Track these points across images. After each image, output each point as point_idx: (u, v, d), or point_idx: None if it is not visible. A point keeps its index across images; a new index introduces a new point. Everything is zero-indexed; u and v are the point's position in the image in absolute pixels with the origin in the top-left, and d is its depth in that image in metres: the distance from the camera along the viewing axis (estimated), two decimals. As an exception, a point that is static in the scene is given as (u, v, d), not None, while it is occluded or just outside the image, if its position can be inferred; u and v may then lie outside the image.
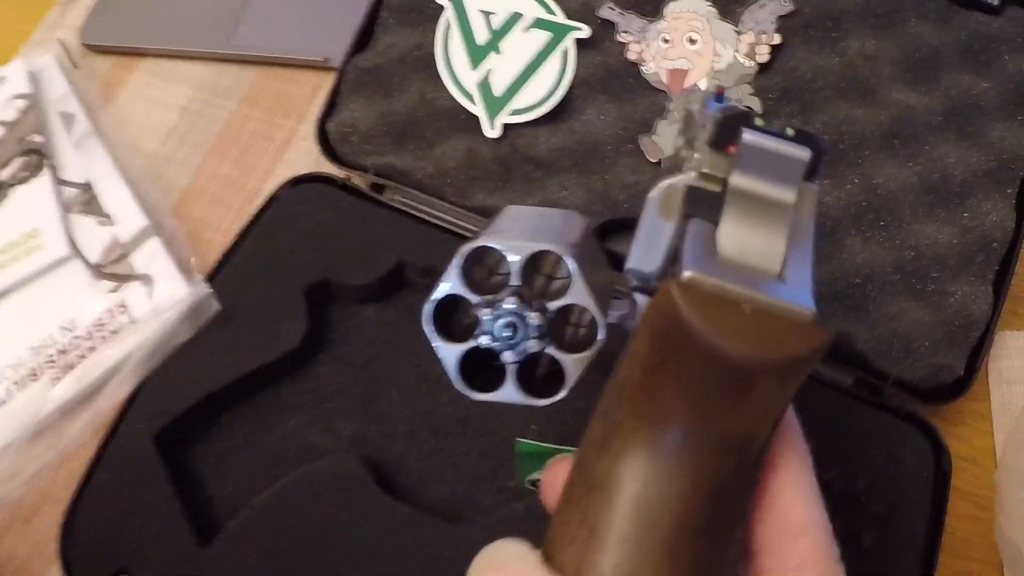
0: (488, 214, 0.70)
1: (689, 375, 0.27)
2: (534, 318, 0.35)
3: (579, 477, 0.30)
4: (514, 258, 0.35)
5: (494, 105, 0.70)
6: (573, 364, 0.36)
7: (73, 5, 0.84)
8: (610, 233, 0.68)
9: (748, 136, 0.31)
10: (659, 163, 0.69)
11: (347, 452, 0.63)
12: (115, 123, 0.78)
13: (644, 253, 0.35)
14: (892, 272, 0.66)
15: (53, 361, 0.68)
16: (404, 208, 0.70)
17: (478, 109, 0.70)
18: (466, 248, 0.35)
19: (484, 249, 0.35)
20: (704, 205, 0.31)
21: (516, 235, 0.36)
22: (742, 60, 0.70)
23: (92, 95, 0.79)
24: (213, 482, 0.64)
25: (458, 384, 0.37)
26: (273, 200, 0.71)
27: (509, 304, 0.35)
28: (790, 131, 0.31)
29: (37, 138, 0.75)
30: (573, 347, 0.37)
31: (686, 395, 0.27)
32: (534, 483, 0.58)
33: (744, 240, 0.30)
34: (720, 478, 0.28)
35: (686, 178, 0.33)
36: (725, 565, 0.29)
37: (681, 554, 0.28)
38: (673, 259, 0.33)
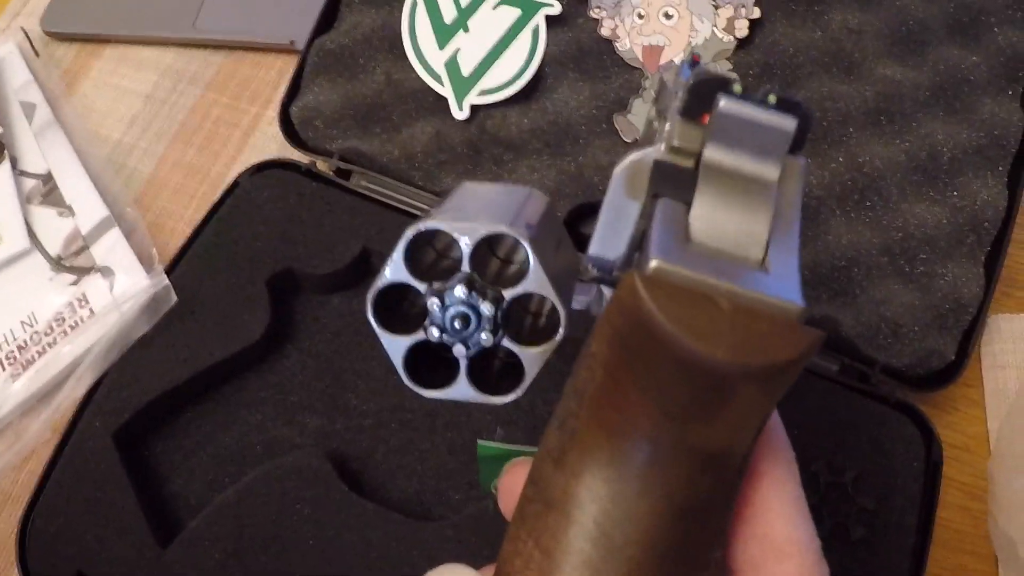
0: (457, 199, 0.67)
1: (657, 381, 0.24)
2: (487, 308, 0.33)
3: (534, 492, 0.27)
4: (465, 241, 0.32)
5: (462, 86, 0.67)
6: (531, 359, 0.34)
7: (35, -8, 0.82)
8: (584, 217, 0.66)
9: (725, 103, 0.27)
10: (634, 143, 0.66)
11: (312, 447, 0.61)
12: (78, 112, 0.76)
13: (607, 237, 0.31)
14: (879, 254, 0.64)
15: (13, 358, 0.66)
16: (370, 194, 0.68)
17: (446, 90, 0.68)
18: (411, 231, 0.32)
19: (432, 232, 0.32)
20: (674, 183, 0.28)
21: (468, 215, 0.33)
22: (720, 35, 0.68)
23: (54, 83, 0.77)
24: (174, 480, 0.62)
25: (406, 379, 0.34)
26: (234, 187, 0.68)
27: (459, 293, 0.32)
28: (772, 98, 0.27)
29: (-2, 128, 0.73)
30: (532, 339, 0.34)
31: (654, 403, 0.24)
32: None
33: (720, 223, 0.26)
34: (694, 496, 0.25)
35: (654, 151, 0.29)
36: None
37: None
38: (639, 246, 0.29)
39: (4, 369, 0.66)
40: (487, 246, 0.34)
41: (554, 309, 0.33)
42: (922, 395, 0.63)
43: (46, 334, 0.66)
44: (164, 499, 0.61)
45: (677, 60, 0.68)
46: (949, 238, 0.64)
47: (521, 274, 0.33)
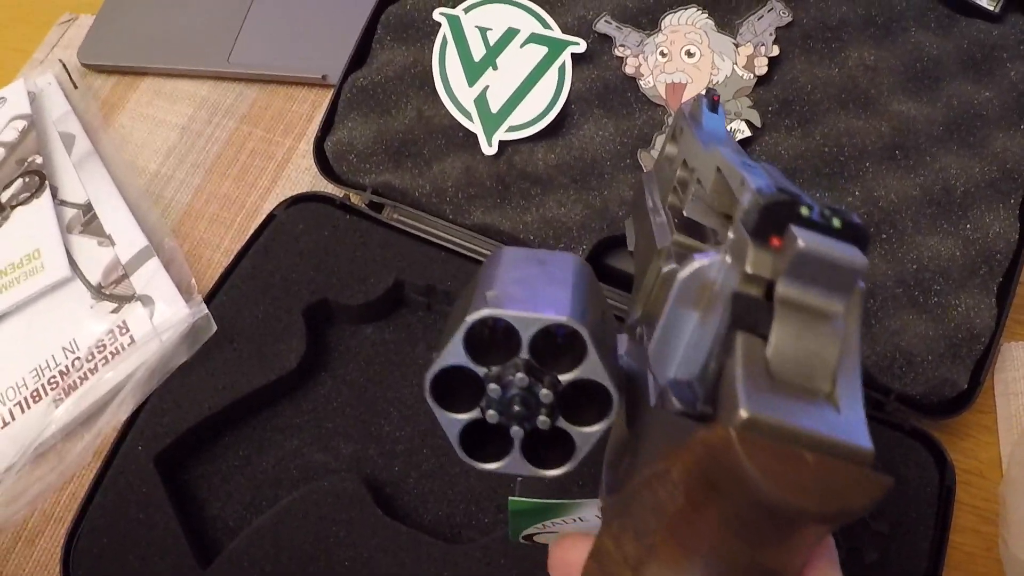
0: (486, 232, 0.69)
1: (738, 515, 0.26)
2: (546, 396, 0.33)
3: None
4: (526, 332, 0.32)
5: (491, 122, 0.69)
6: (584, 437, 0.34)
7: (73, 25, 0.85)
8: (609, 249, 0.68)
9: (802, 240, 0.27)
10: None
11: (347, 472, 0.63)
12: (115, 143, 0.78)
13: (676, 355, 0.32)
14: (894, 285, 0.66)
15: (55, 383, 0.68)
16: (402, 227, 0.70)
17: (475, 126, 0.70)
18: (471, 319, 0.32)
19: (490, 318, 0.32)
20: (752, 317, 0.28)
21: (523, 301, 0.33)
22: (740, 73, 0.70)
23: (92, 115, 0.79)
24: (214, 503, 0.64)
25: (461, 455, 0.34)
26: (270, 220, 0.71)
27: (520, 380, 0.32)
28: (836, 222, 0.28)
29: (38, 159, 0.76)
30: (580, 414, 0.34)
31: (733, 531, 0.26)
32: (528, 538, 0.57)
33: (796, 359, 0.27)
34: None
35: (717, 264, 0.30)
36: None
37: None
38: (715, 375, 0.29)
39: (47, 394, 0.68)
40: (543, 331, 0.33)
41: (605, 389, 0.33)
42: (936, 422, 0.64)
43: (87, 360, 0.68)
44: (204, 521, 0.63)
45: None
46: (962, 269, 0.66)
47: (574, 354, 0.33)
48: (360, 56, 0.75)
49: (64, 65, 0.81)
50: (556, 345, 0.34)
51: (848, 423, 0.26)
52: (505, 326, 0.32)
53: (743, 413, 0.25)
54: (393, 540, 0.59)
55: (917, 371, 0.64)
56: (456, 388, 0.33)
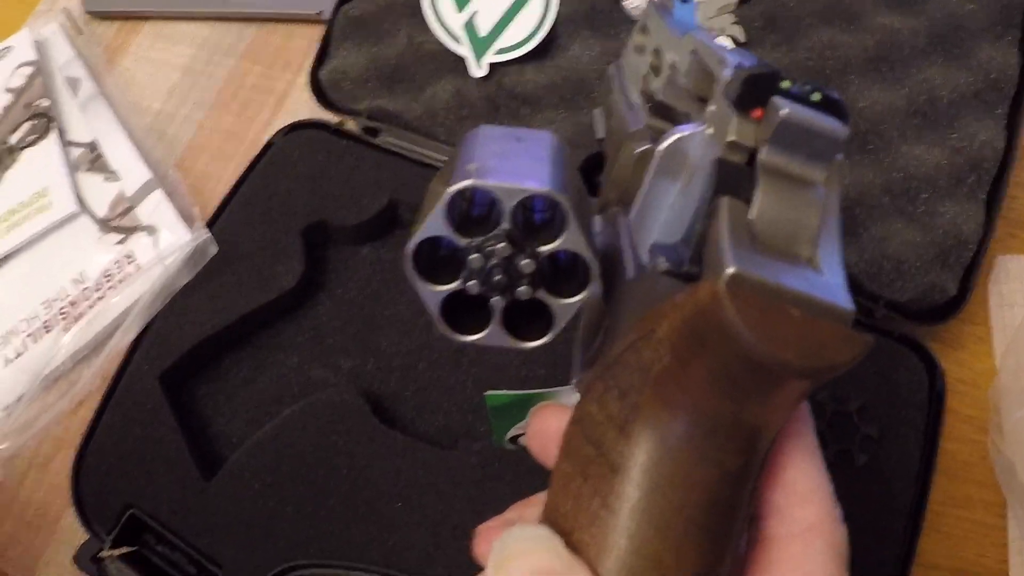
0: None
1: (725, 370, 0.27)
2: (527, 265, 0.33)
3: (596, 454, 0.30)
4: (508, 201, 0.32)
5: (480, 45, 0.71)
6: (563, 309, 0.34)
7: (77, -26, 0.87)
8: (598, 166, 0.69)
9: (785, 110, 0.28)
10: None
11: (346, 385, 0.64)
12: (120, 85, 0.80)
13: (666, 224, 0.32)
14: (881, 194, 0.66)
15: (66, 313, 0.70)
16: (396, 149, 0.72)
17: (465, 50, 0.71)
18: (453, 189, 0.32)
19: (473, 188, 0.32)
20: (735, 182, 0.29)
21: (504, 172, 0.33)
22: (725, -10, 0.71)
23: (97, 59, 0.81)
24: (217, 419, 0.66)
25: (441, 327, 0.35)
26: (269, 147, 0.73)
27: (501, 250, 0.33)
28: (816, 96, 0.29)
29: (44, 102, 0.78)
30: (559, 286, 0.34)
31: (718, 387, 0.27)
32: (514, 440, 0.58)
33: (777, 222, 0.28)
34: (742, 462, 0.28)
35: (697, 135, 0.31)
36: (739, 539, 0.30)
37: (704, 535, 0.28)
38: (701, 239, 0.30)
39: (57, 324, 0.70)
40: (522, 201, 0.34)
41: (581, 260, 0.34)
42: (929, 331, 0.65)
43: (96, 290, 0.71)
44: (208, 437, 0.65)
45: (683, 14, 0.71)
46: (949, 178, 0.66)
47: (554, 227, 0.33)
48: (352, -12, 0.76)
49: (68, 14, 0.83)
50: (536, 218, 0.34)
51: (829, 285, 0.27)
52: (486, 198, 0.33)
53: (730, 269, 0.26)
54: (390, 448, 0.61)
55: (905, 278, 0.65)
56: (436, 261, 0.34)
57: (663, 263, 0.29)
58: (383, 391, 0.65)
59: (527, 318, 0.35)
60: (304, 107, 0.78)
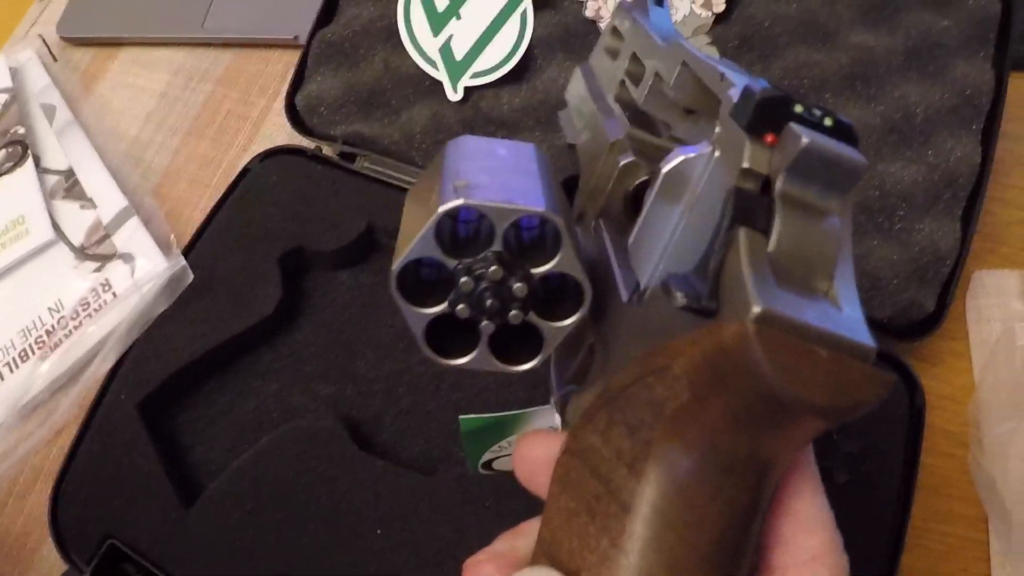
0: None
1: (746, 408, 0.26)
2: (520, 289, 0.32)
3: (604, 491, 0.29)
4: (501, 223, 0.31)
5: (456, 69, 0.71)
6: (553, 332, 0.33)
7: (51, 1, 0.87)
8: (575, 188, 0.69)
9: (806, 139, 0.27)
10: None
11: (325, 411, 0.64)
12: (96, 111, 0.80)
13: (659, 249, 0.31)
14: (858, 212, 0.66)
15: (42, 342, 0.70)
16: (373, 174, 0.72)
17: (441, 74, 0.71)
18: (443, 208, 0.30)
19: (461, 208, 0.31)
20: (753, 213, 0.28)
21: (496, 190, 0.32)
22: (698, 11, 0.71)
23: (73, 86, 0.81)
24: (197, 447, 0.65)
25: (426, 351, 0.34)
26: (245, 173, 0.73)
27: (493, 273, 0.32)
28: (829, 120, 0.28)
29: (20, 130, 0.78)
30: (553, 312, 0.33)
31: (736, 424, 0.27)
32: (488, 465, 0.58)
33: (797, 255, 0.27)
34: (755, 496, 0.28)
35: (700, 162, 0.30)
36: (747, 571, 0.29)
37: (715, 571, 0.28)
38: (717, 271, 0.29)
39: (34, 353, 0.70)
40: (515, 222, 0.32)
41: (576, 283, 0.33)
42: (908, 347, 0.65)
43: (72, 318, 0.70)
44: (187, 465, 0.65)
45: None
46: (925, 195, 0.66)
47: (545, 247, 0.32)
48: (327, 12, 0.77)
49: (43, 40, 0.83)
50: (524, 236, 0.33)
51: (850, 320, 0.26)
52: (473, 215, 0.32)
53: (757, 309, 0.25)
54: (370, 474, 0.61)
55: (883, 294, 0.65)
56: (420, 282, 0.33)
57: (681, 298, 0.28)
58: (362, 416, 0.65)
59: (513, 339, 0.34)
60: (281, 132, 0.78)
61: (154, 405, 0.65)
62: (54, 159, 0.77)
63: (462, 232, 0.33)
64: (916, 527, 0.59)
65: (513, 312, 0.32)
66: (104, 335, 0.69)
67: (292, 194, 0.71)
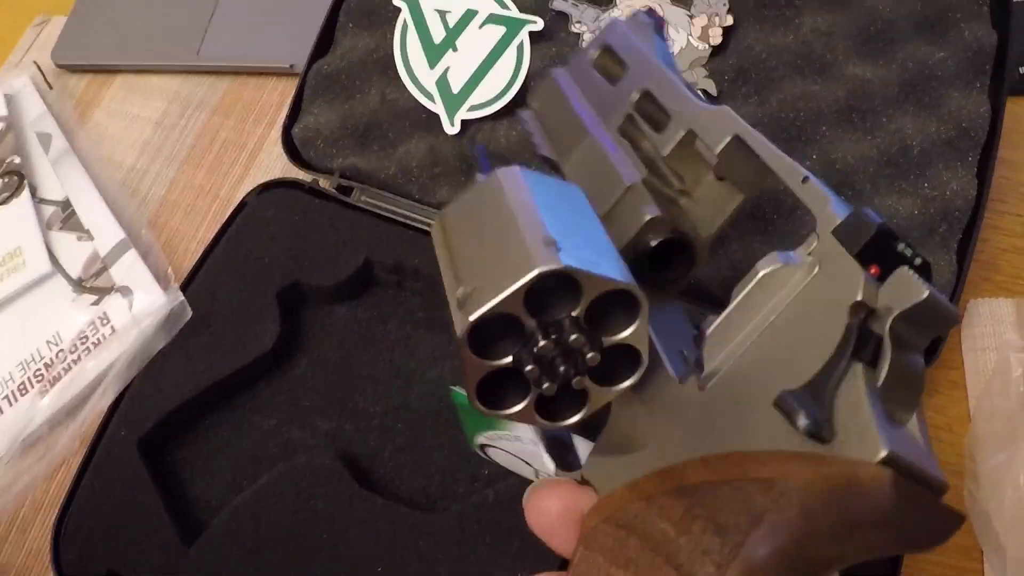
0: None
1: (850, 532, 0.27)
2: (592, 359, 0.32)
3: None
4: (592, 291, 0.30)
5: (453, 102, 0.71)
6: (601, 395, 0.33)
7: (47, 27, 0.86)
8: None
9: (925, 291, 0.28)
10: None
11: (324, 448, 0.64)
12: (91, 140, 0.80)
13: (744, 346, 0.31)
14: (854, 245, 0.66)
15: (41, 375, 0.70)
16: (370, 208, 0.72)
17: (437, 107, 0.71)
18: (543, 269, 0.29)
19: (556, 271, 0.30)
20: (865, 344, 0.29)
21: (588, 255, 0.31)
22: (696, 43, 0.71)
23: (68, 114, 0.81)
24: (196, 483, 0.66)
25: (473, 402, 0.33)
26: (242, 207, 0.72)
27: (574, 341, 0.31)
28: (918, 260, 0.29)
29: (16, 159, 0.78)
30: (608, 378, 0.33)
31: (833, 542, 0.27)
32: (484, 449, 0.58)
33: (897, 391, 0.28)
34: None
35: (799, 271, 0.31)
36: None
37: None
38: (832, 398, 0.29)
39: (33, 387, 0.70)
40: None
41: (634, 352, 0.32)
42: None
43: (71, 352, 0.70)
44: (187, 501, 0.65)
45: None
46: (921, 228, 0.67)
47: (615, 314, 0.32)
48: (324, 44, 0.76)
49: (38, 67, 0.83)
50: (602, 303, 0.32)
51: (929, 455, 0.27)
52: (559, 276, 0.30)
53: (884, 451, 0.26)
54: (370, 511, 0.61)
55: (880, 328, 0.65)
56: (484, 331, 0.31)
57: (804, 420, 0.28)
58: (361, 452, 0.65)
59: (553, 395, 0.33)
60: (276, 162, 0.78)
61: (153, 441, 0.65)
62: (50, 189, 0.77)
63: (539, 288, 0.31)
64: (911, 558, 0.60)
65: (577, 379, 0.32)
66: (103, 370, 0.69)
67: (289, 228, 0.71)
